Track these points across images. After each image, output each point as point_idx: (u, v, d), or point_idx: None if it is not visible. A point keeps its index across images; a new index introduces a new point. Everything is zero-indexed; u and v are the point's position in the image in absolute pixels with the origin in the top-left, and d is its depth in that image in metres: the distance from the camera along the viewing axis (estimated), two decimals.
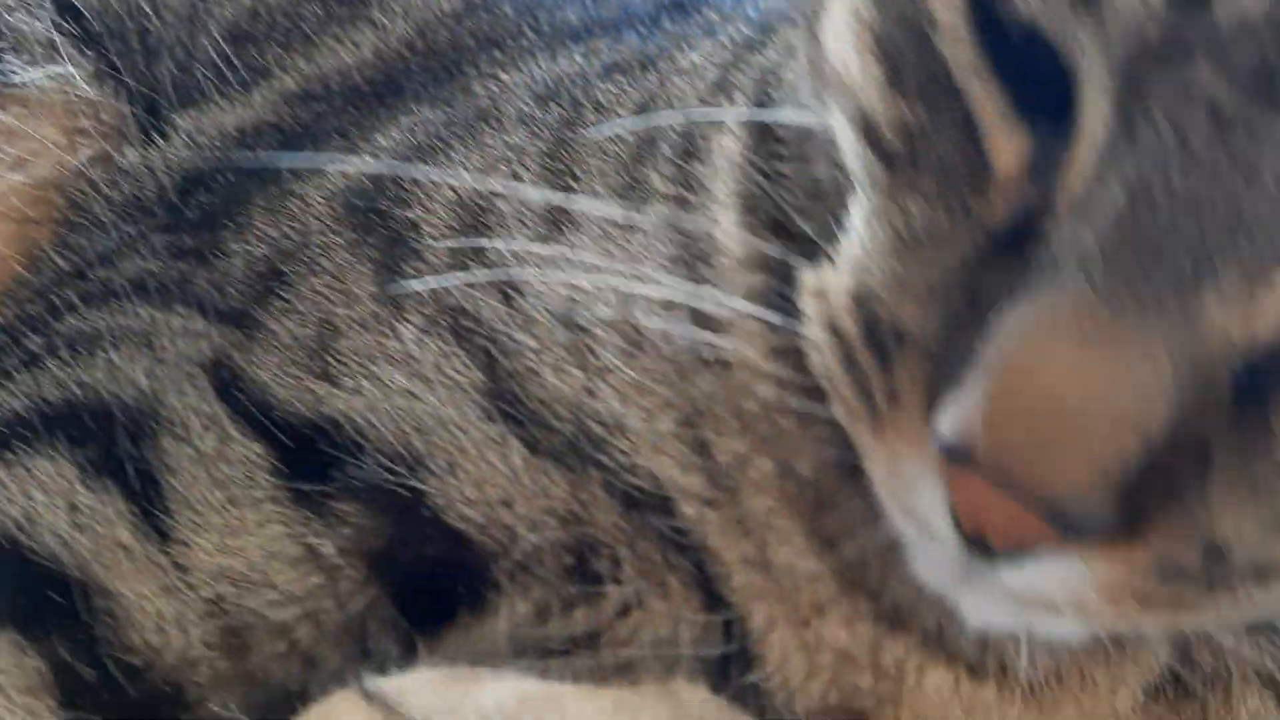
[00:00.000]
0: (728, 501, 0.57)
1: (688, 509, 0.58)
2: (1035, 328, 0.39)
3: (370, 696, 0.53)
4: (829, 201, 0.53)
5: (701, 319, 0.58)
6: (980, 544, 0.42)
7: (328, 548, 0.59)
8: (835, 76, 0.49)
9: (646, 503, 0.58)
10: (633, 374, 0.59)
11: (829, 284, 0.48)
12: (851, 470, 0.53)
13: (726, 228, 0.60)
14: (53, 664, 0.58)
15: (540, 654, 0.58)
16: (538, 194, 0.66)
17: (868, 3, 0.47)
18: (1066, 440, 0.38)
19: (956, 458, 0.40)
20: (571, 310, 0.61)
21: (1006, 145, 0.43)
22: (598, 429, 0.59)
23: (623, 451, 0.58)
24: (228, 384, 0.64)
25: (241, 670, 0.59)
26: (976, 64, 0.43)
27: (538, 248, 0.63)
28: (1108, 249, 0.38)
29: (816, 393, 0.53)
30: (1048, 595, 0.42)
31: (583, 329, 0.61)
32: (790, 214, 0.57)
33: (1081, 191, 0.40)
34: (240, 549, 0.60)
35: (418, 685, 0.53)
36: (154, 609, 0.58)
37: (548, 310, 0.61)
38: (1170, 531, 0.40)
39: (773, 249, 0.57)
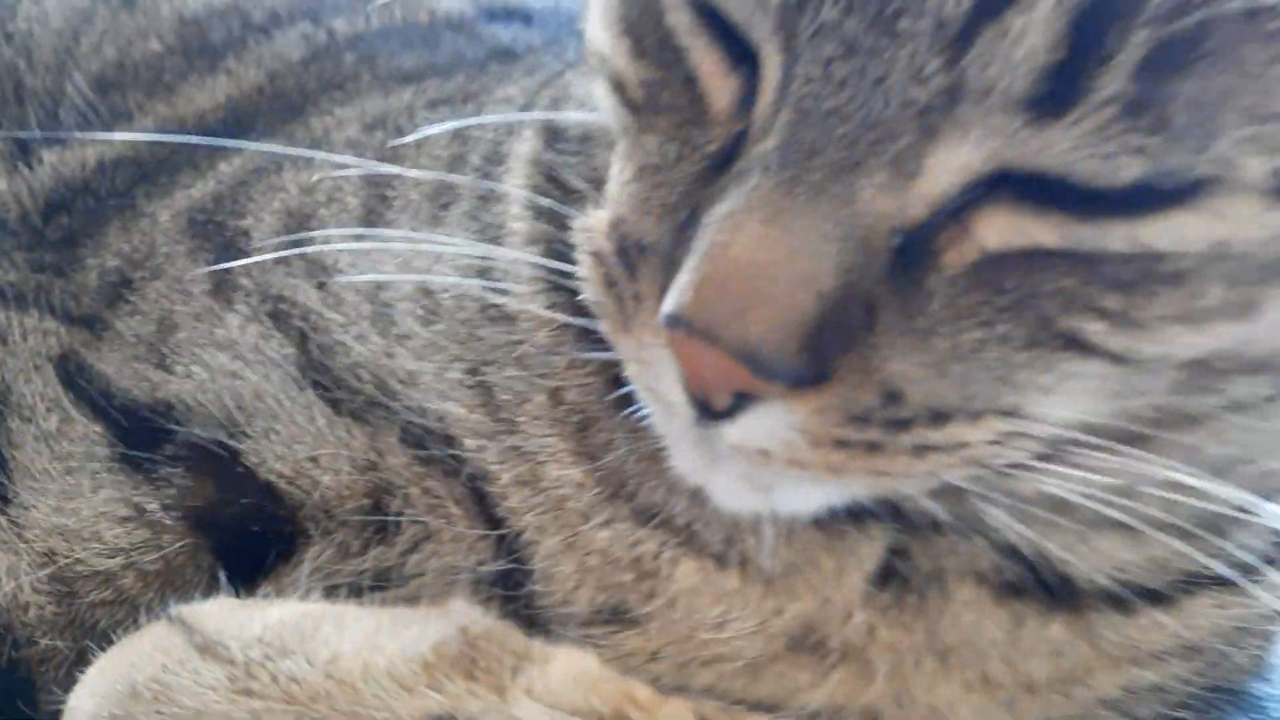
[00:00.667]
0: (505, 432, 0.66)
1: (470, 442, 0.66)
2: (731, 216, 0.48)
3: (173, 620, 0.59)
4: (604, 186, 0.62)
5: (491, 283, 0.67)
6: (705, 407, 0.51)
7: (153, 506, 0.66)
8: (595, 54, 0.59)
9: (433, 441, 0.66)
10: (427, 336, 0.68)
11: (593, 220, 0.58)
12: (609, 394, 0.64)
13: (515, 212, 0.70)
14: None
15: (341, 592, 0.65)
16: (355, 199, 0.75)
17: None
18: (755, 299, 0.47)
19: (676, 325, 0.48)
20: (376, 290, 0.70)
21: (720, 90, 0.53)
22: (394, 384, 0.67)
23: (414, 400, 0.67)
24: (73, 375, 0.72)
25: (70, 614, 0.65)
26: (695, 29, 0.53)
27: (352, 243, 0.72)
28: (783, 152, 0.48)
29: (583, 335, 0.63)
30: (763, 445, 0.51)
31: (385, 304, 0.69)
32: (570, 197, 0.67)
33: (767, 114, 0.50)
34: (75, 510, 0.67)
35: (215, 608, 0.60)
36: None
37: (356, 291, 0.70)
38: (851, 377, 0.48)
39: (549, 230, 0.66)
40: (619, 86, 0.58)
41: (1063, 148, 0.45)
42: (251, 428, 0.68)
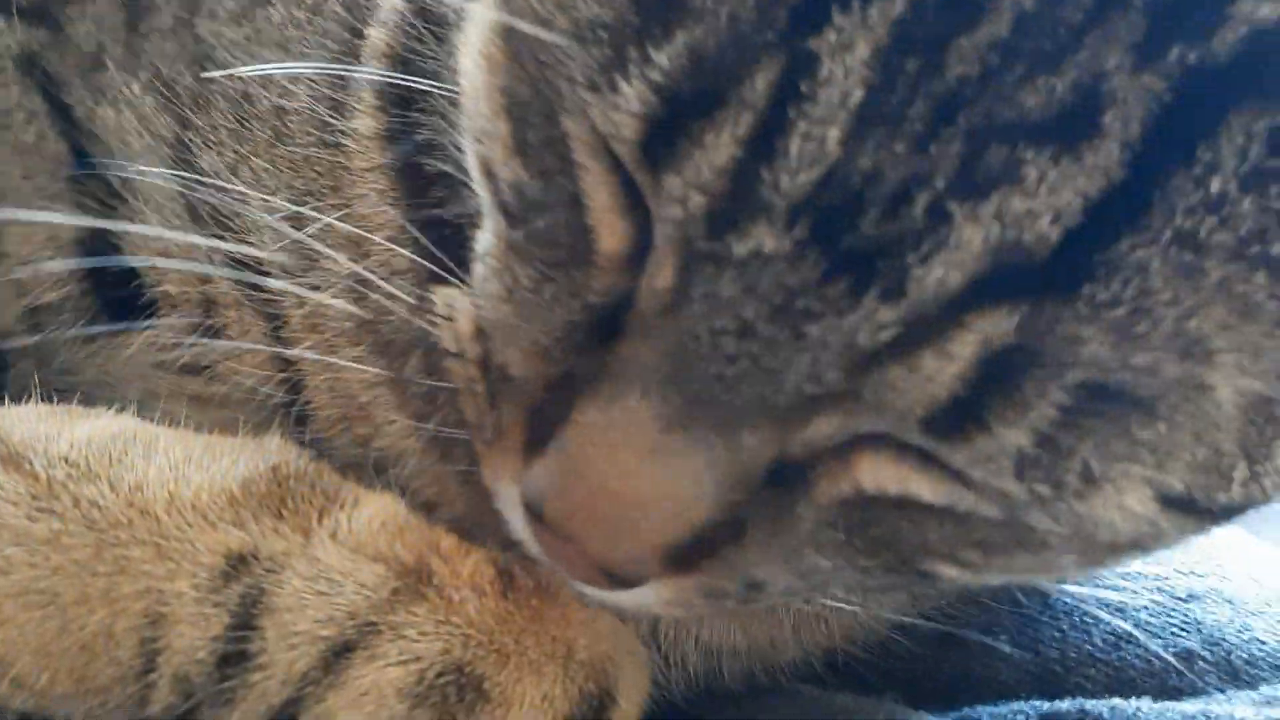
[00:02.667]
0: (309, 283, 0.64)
1: (275, 278, 0.64)
2: (601, 431, 0.46)
3: None
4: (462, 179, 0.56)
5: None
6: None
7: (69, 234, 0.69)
8: (467, 109, 0.52)
9: (250, 273, 0.65)
10: (267, 160, 0.65)
11: (458, 308, 0.54)
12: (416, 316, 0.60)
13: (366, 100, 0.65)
14: None
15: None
16: None
17: (503, 53, 0.49)
18: (624, 528, 0.46)
19: (534, 512, 0.48)
20: (242, 99, 0.67)
21: (611, 230, 0.47)
22: (232, 204, 0.65)
23: (243, 229, 0.65)
24: (43, 83, 0.71)
25: None
26: (595, 151, 0.46)
27: (231, 29, 0.68)
28: (665, 387, 0.44)
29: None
30: (622, 604, 0.52)
31: (244, 116, 0.66)
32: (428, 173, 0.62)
33: (655, 309, 0.45)
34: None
35: (23, 416, 0.58)
36: None
37: (221, 95, 0.67)
38: (715, 570, 0.49)
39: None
40: (491, 177, 0.50)
41: (954, 459, 0.44)
42: (127, 189, 0.68)
